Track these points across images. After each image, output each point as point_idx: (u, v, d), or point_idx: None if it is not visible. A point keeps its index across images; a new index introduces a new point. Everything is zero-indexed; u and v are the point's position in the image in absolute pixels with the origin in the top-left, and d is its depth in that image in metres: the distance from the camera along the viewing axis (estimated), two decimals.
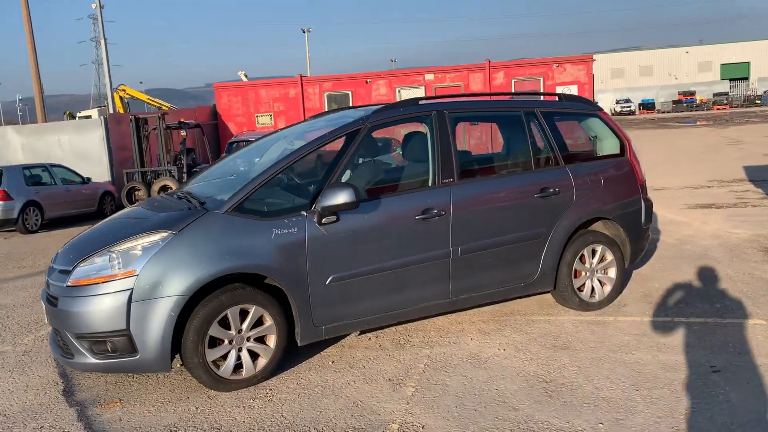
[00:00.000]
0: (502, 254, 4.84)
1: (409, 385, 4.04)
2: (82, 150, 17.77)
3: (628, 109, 61.92)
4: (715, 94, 65.89)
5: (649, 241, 5.76)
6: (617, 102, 63.74)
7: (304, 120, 5.82)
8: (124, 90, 30.04)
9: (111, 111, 27.20)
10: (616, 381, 3.93)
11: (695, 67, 71.79)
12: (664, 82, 71.34)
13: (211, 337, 3.94)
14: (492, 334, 4.88)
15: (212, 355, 3.96)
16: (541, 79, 21.89)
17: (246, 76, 30.12)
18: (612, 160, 5.46)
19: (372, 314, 4.45)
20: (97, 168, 17.48)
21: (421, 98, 4.93)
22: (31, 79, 24.50)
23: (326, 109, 20.45)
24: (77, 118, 35.22)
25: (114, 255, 3.88)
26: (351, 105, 22.09)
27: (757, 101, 61.19)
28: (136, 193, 15.16)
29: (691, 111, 60.33)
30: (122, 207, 13.20)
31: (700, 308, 5.19)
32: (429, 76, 22.43)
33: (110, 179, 17.66)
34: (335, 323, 4.34)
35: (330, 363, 4.47)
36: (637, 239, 5.47)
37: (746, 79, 70.49)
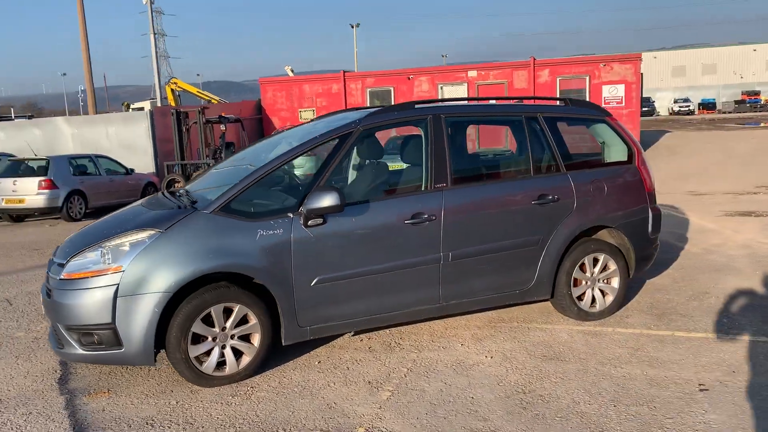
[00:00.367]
0: (496, 260, 4.79)
1: (387, 389, 4.05)
2: (129, 141, 18.38)
3: (686, 108, 59.81)
4: None
5: (657, 251, 5.59)
6: (675, 101, 61.69)
7: (310, 121, 5.87)
8: (175, 83, 30.86)
9: (158, 103, 27.99)
10: (596, 395, 3.85)
11: (763, 66, 68.71)
12: (728, 81, 68.53)
13: (194, 333, 4.04)
14: (484, 340, 4.84)
15: (195, 351, 4.06)
16: (587, 78, 21.42)
17: (292, 71, 30.49)
18: (618, 167, 5.32)
19: (358, 317, 4.48)
20: (142, 159, 18.07)
21: (418, 101, 4.91)
22: (90, 72, 25.39)
23: (367, 105, 20.54)
24: (131, 110, 36.35)
25: (105, 251, 4.02)
26: (393, 101, 22.12)
27: None
28: (176, 185, 15.58)
29: (755, 112, 57.77)
30: None
31: (705, 323, 5.02)
32: (472, 73, 22.24)
33: (155, 171, 18.21)
34: (320, 324, 4.38)
35: (316, 363, 4.52)
36: (643, 249, 5.32)
37: None
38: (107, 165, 15.25)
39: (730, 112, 59.22)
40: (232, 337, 4.17)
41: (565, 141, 5.23)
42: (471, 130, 5.36)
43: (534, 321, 5.22)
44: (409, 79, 22.77)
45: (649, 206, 5.34)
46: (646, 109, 57.00)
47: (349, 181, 4.66)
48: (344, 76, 23.62)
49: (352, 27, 56.93)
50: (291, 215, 4.22)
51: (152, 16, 26.25)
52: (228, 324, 4.14)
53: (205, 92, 31.42)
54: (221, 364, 4.18)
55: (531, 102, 6.48)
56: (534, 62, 21.98)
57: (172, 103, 30.11)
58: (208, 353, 4.14)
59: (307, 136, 4.64)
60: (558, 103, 5.62)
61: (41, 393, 4.20)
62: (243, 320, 4.20)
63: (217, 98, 30.34)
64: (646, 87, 63.55)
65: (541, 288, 5.00)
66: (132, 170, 15.81)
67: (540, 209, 4.88)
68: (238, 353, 4.22)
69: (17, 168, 14.08)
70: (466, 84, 22.29)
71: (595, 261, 5.14)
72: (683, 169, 17.37)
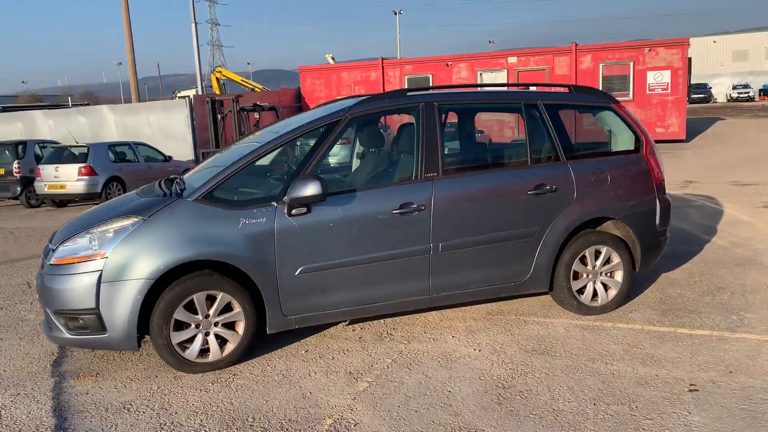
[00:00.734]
0: (490, 252, 4.68)
1: (366, 380, 4.01)
2: (169, 129, 18.77)
3: (746, 94, 57.23)
4: None
5: (667, 243, 5.35)
6: (733, 87, 59.10)
7: (312, 108, 5.83)
8: (220, 72, 31.36)
9: (199, 92, 28.53)
10: (578, 393, 3.72)
11: None
12: None
13: (177, 320, 4.08)
14: (477, 332, 4.75)
15: (178, 337, 4.10)
16: (631, 64, 20.73)
17: (333, 58, 30.56)
18: (624, 156, 5.11)
19: (344, 307, 4.45)
20: (182, 147, 18.43)
21: (411, 89, 4.81)
22: (134, 60, 26.02)
23: None
24: (177, 98, 37.13)
25: (92, 237, 4.09)
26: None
27: None
28: None
29: None
30: None
31: (713, 320, 4.80)
32: (512, 59, 21.80)
33: (194, 158, 18.55)
34: (305, 314, 4.37)
35: (303, 352, 4.51)
36: (650, 242, 5.10)
37: None
38: (146, 152, 15.61)
39: None
40: (215, 324, 4.20)
41: (577, 130, 5.06)
42: (472, 121, 5.23)
43: (533, 314, 5.09)
44: (447, 65, 22.51)
45: (657, 197, 5.11)
46: (702, 95, 54.90)
47: (345, 170, 4.61)
48: (382, 63, 23.51)
49: (395, 14, 56.59)
50: (275, 204, 4.21)
51: (193, 4, 26.61)
52: (211, 312, 4.17)
53: (249, 81, 31.81)
54: (205, 351, 4.22)
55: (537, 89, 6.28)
56: (576, 48, 21.38)
57: (217, 92, 30.61)
58: (191, 340, 4.17)
59: (297, 124, 4.61)
60: (562, 89, 5.42)
61: (34, 375, 4.33)
62: (227, 308, 4.22)
63: (261, 86, 30.68)
64: (704, 73, 61.15)
65: (538, 280, 4.86)
66: (170, 157, 16.14)
67: (537, 200, 4.74)
68: (222, 341, 4.25)
69: (60, 155, 14.57)
70: (506, 70, 21.88)
71: (597, 253, 4.97)
72: (730, 158, 16.66)
